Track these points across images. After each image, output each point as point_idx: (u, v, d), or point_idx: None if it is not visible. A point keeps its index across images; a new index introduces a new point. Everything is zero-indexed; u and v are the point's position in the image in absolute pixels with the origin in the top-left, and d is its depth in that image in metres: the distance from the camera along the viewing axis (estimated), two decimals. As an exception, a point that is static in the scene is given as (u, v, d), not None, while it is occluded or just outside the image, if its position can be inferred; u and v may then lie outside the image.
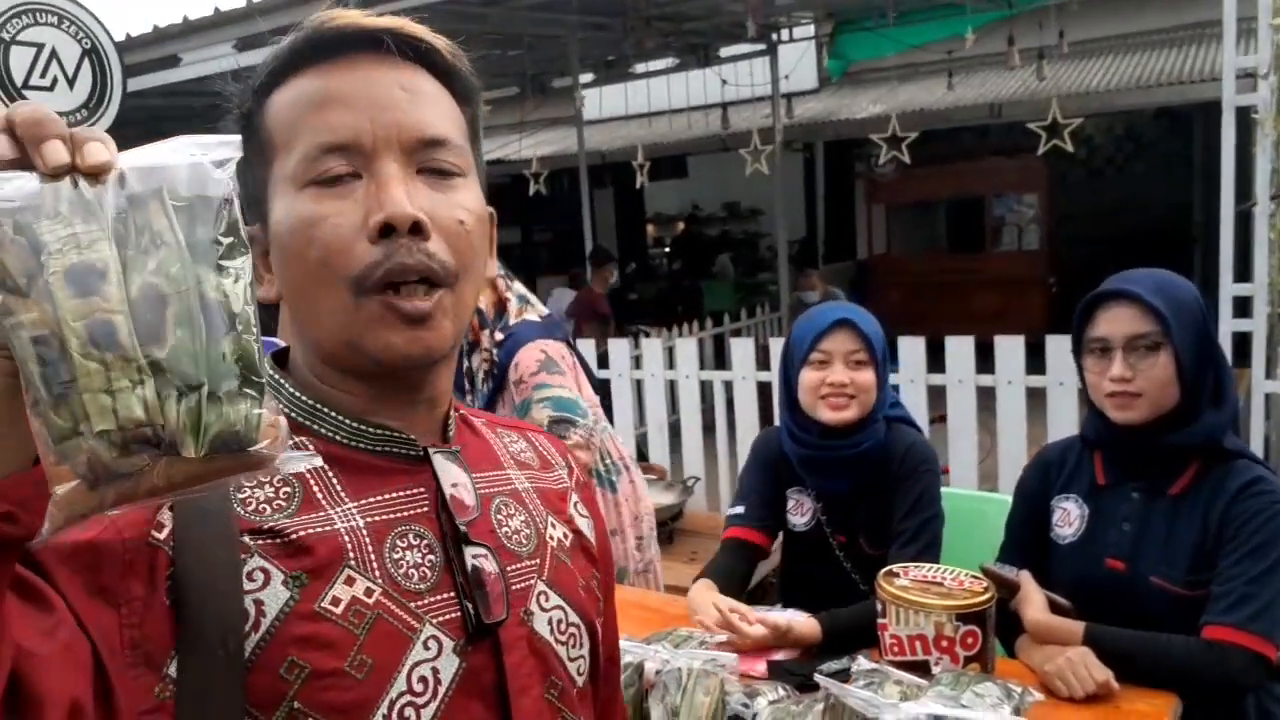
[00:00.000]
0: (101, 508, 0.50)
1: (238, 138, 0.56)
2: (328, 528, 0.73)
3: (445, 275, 0.74)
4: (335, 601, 0.71)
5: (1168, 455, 1.75)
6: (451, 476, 0.80)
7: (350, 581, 0.72)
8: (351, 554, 0.73)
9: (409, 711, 0.71)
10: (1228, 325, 3.28)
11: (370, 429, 0.78)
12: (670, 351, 5.01)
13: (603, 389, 5.05)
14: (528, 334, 2.30)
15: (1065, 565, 1.85)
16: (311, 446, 0.76)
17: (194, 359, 0.50)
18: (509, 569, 0.80)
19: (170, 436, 0.50)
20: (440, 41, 0.79)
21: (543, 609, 0.82)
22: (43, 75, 4.17)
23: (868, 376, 2.00)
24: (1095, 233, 11.05)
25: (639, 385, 4.94)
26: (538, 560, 0.84)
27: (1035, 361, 3.74)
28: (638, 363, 4.95)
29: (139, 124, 7.89)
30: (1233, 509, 1.67)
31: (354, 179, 0.73)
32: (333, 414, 0.78)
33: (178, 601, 0.67)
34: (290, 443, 0.55)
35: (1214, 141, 3.37)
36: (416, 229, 0.72)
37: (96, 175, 0.50)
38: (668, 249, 14.22)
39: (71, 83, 4.27)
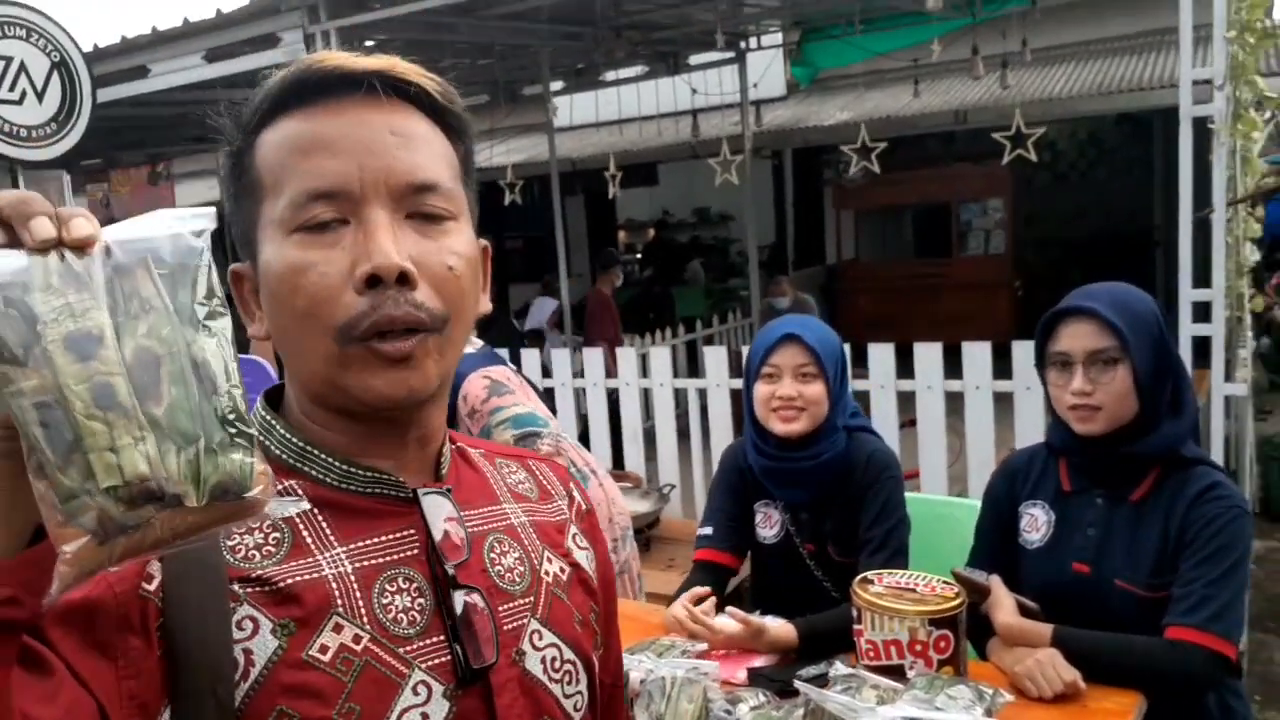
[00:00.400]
0: (110, 562, 0.53)
1: (212, 210, 0.58)
2: (316, 574, 0.73)
3: (433, 323, 0.74)
4: (323, 649, 0.71)
5: (1129, 463, 1.81)
6: (442, 516, 0.80)
7: (338, 629, 0.72)
8: (339, 601, 0.73)
9: None
10: (1188, 330, 3.36)
11: (360, 471, 0.78)
12: (644, 359, 5.05)
13: (576, 398, 5.10)
14: (467, 367, 2.30)
15: (1033, 569, 1.90)
16: (301, 490, 0.76)
17: (189, 414, 0.54)
18: (500, 609, 0.80)
19: (173, 489, 0.53)
20: (430, 82, 0.78)
21: (535, 648, 0.82)
22: (11, 89, 4.14)
23: (816, 389, 2.05)
24: (1059, 237, 11.24)
25: (615, 395, 4.97)
26: (531, 598, 0.83)
27: (1001, 364, 3.81)
28: (608, 371, 4.99)
29: (105, 134, 7.84)
30: (1191, 514, 1.74)
31: (341, 225, 0.73)
32: (323, 456, 0.78)
33: (169, 651, 0.68)
34: (278, 487, 0.59)
35: (1174, 146, 3.45)
36: (403, 279, 0.72)
37: (83, 248, 0.53)
38: (639, 255, 14.26)
39: (40, 96, 4.25)
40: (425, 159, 0.76)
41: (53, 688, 0.61)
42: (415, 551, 0.78)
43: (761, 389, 2.10)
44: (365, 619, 0.74)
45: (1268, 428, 6.09)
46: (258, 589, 0.72)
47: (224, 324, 0.57)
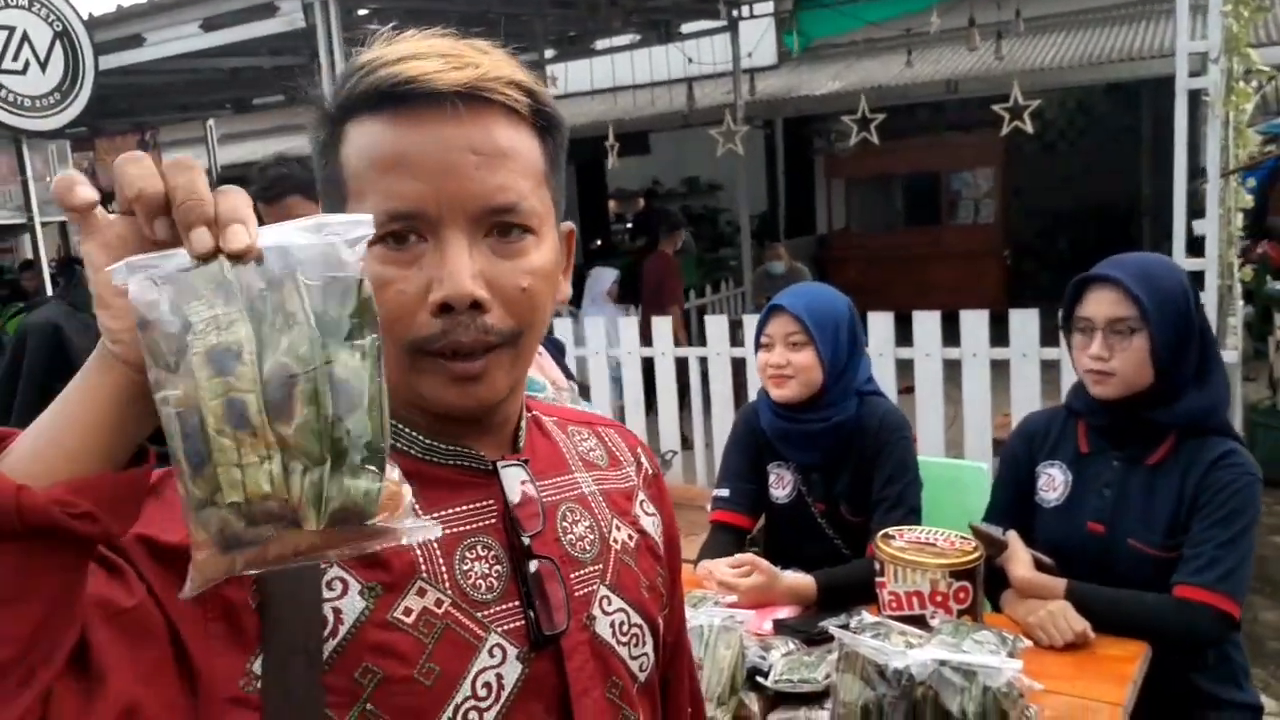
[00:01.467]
0: (233, 571, 0.55)
1: (369, 217, 0.57)
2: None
3: (503, 341, 0.76)
4: (407, 612, 0.74)
5: (1147, 428, 1.89)
6: (518, 488, 0.83)
7: (422, 593, 0.75)
8: (423, 567, 0.76)
9: (472, 715, 0.75)
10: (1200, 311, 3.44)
11: (442, 445, 0.81)
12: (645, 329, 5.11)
13: (579, 367, 5.16)
14: None
15: (1049, 527, 1.99)
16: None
17: (318, 436, 0.54)
18: (572, 576, 0.83)
19: (293, 509, 0.54)
20: (518, 90, 0.77)
21: (605, 613, 0.85)
22: (15, 59, 4.14)
23: (804, 357, 2.13)
24: (1048, 206, 11.31)
25: (616, 364, 5.03)
26: (601, 565, 0.87)
27: (994, 331, 3.88)
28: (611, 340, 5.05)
29: (92, 102, 7.76)
30: (1206, 479, 1.82)
31: (420, 241, 0.74)
32: (407, 431, 0.80)
33: (263, 604, 0.71)
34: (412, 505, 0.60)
35: (1162, 116, 3.54)
36: (476, 305, 0.73)
37: (238, 259, 0.54)
38: (629, 225, 14.24)
39: (44, 66, 4.25)
40: (505, 178, 0.76)
41: (129, 588, 0.64)
42: (494, 521, 0.81)
43: (760, 357, 2.21)
44: (447, 584, 0.77)
45: (1251, 394, 6.21)
46: None
47: (372, 340, 0.56)
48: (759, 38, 8.87)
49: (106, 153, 10.32)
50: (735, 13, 8.08)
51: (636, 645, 0.88)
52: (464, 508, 0.80)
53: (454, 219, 0.74)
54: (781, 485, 2.29)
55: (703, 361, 4.79)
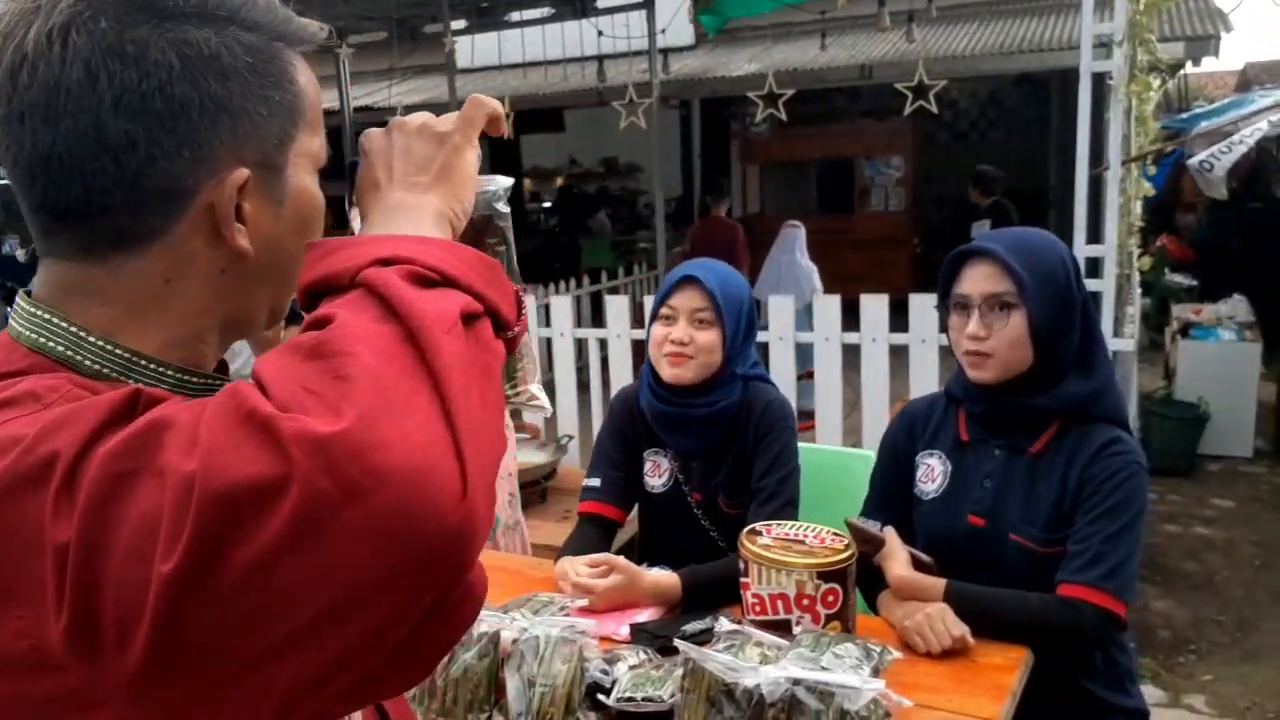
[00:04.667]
0: None
1: (509, 181, 0.73)
2: None
3: None
4: None
5: (1028, 415, 1.78)
6: None
7: None
8: None
9: None
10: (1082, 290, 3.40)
11: (195, 378, 0.74)
12: (546, 309, 4.92)
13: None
14: None
15: (928, 520, 1.87)
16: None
17: None
18: None
19: None
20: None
21: None
22: None
23: (709, 336, 1.98)
24: (957, 194, 11.41)
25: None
26: None
27: (900, 320, 3.82)
28: (510, 319, 4.85)
29: None
30: (1090, 469, 1.71)
31: None
32: (152, 366, 0.72)
33: None
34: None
35: (1070, 108, 3.49)
36: None
37: None
38: (546, 205, 14.02)
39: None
40: None
41: None
42: None
43: (657, 330, 2.02)
44: None
45: (1146, 383, 6.30)
46: None
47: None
48: (674, 15, 8.69)
49: None
50: (651, -11, 7.90)
51: None
52: None
53: None
54: (657, 474, 2.14)
55: (602, 344, 4.63)
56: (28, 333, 0.70)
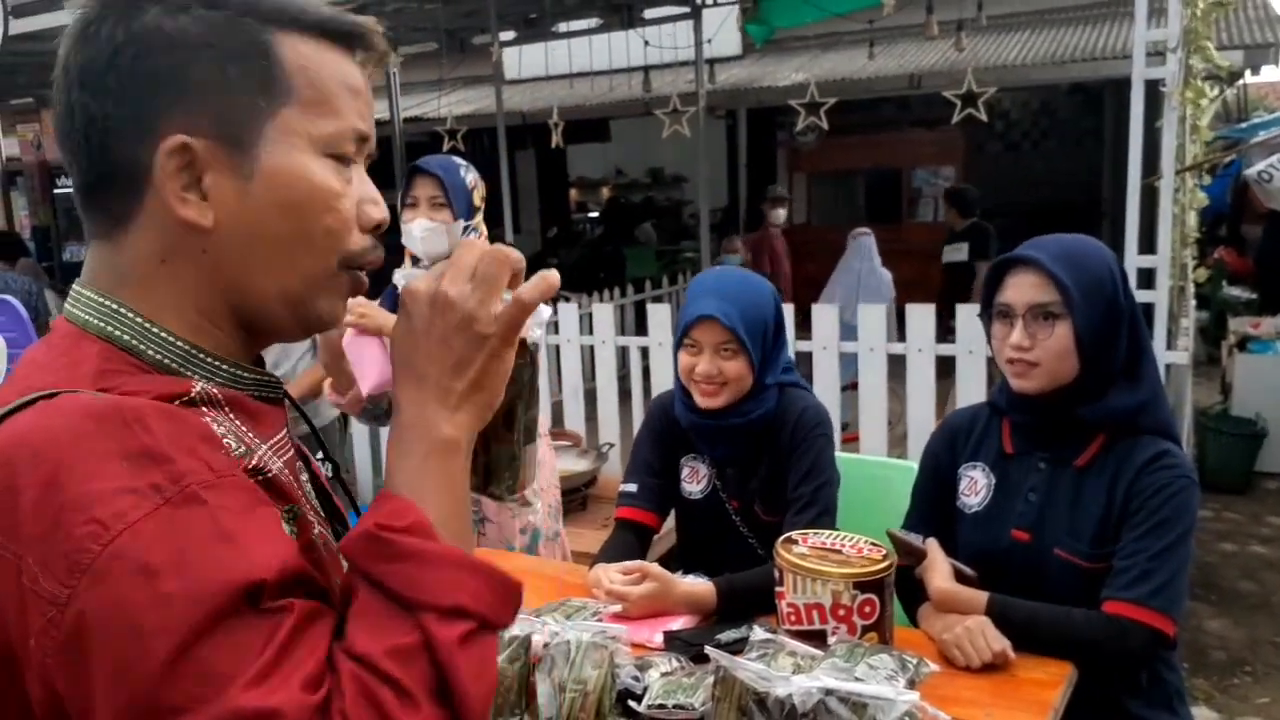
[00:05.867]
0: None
1: (549, 312, 0.68)
2: (274, 468, 0.75)
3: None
4: (320, 536, 0.78)
5: (1074, 427, 1.73)
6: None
7: (312, 514, 0.80)
8: (298, 492, 0.79)
9: None
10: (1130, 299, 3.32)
11: (245, 374, 0.80)
12: (588, 318, 4.94)
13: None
14: None
15: (970, 534, 1.83)
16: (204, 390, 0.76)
17: None
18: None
19: None
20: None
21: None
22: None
23: (736, 365, 1.98)
24: (1008, 206, 11.24)
25: (556, 351, 4.86)
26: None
27: (947, 330, 3.77)
28: (555, 328, 4.87)
29: (33, 71, 7.45)
30: (1138, 483, 1.66)
31: (351, 165, 0.80)
32: (209, 360, 0.77)
33: None
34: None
35: (1124, 118, 3.40)
36: (380, 227, 0.82)
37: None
38: (592, 215, 14.07)
39: (-57, 20, 3.98)
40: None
41: None
42: (289, 445, 0.84)
43: (684, 359, 2.02)
44: (308, 507, 0.80)
45: (1202, 398, 6.15)
46: (258, 479, 0.72)
47: None
48: (721, 25, 8.68)
49: (53, 125, 9.98)
50: (699, 0, 7.90)
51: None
52: (278, 436, 0.81)
53: (367, 150, 0.82)
54: (695, 480, 2.13)
55: (644, 352, 4.63)
56: (95, 320, 0.74)
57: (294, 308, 0.79)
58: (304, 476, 0.85)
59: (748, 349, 1.96)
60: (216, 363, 0.77)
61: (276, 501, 0.72)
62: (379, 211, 0.81)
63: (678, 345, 2.05)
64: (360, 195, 0.79)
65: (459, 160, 2.57)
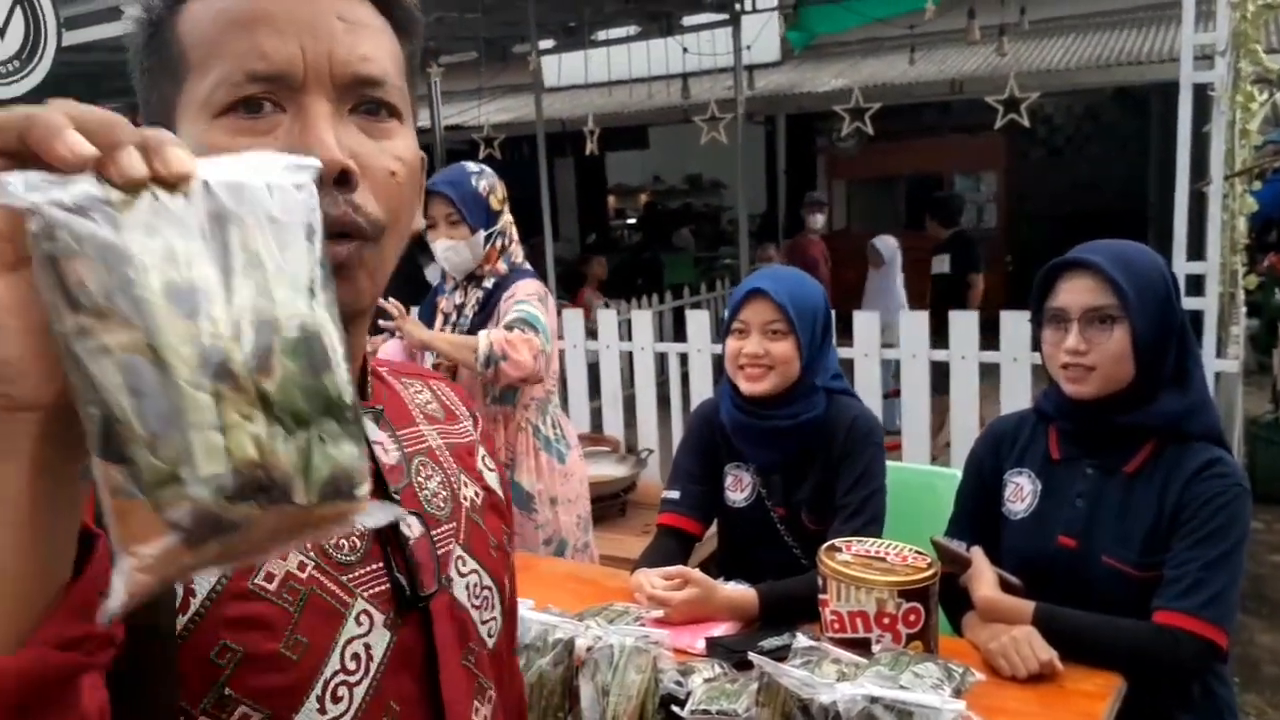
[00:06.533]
0: (197, 569, 0.43)
1: (314, 160, 0.50)
2: None
3: (370, 229, 0.66)
4: (269, 578, 0.66)
5: (1123, 433, 1.71)
6: (375, 438, 0.75)
7: (284, 555, 0.67)
8: None
9: (341, 691, 0.68)
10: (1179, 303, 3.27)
11: None
12: (626, 324, 4.95)
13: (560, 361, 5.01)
14: (530, 274, 2.67)
15: (1016, 541, 1.81)
16: None
17: (303, 393, 0.44)
18: (432, 534, 0.76)
19: (281, 480, 0.43)
20: None
21: (460, 574, 0.78)
22: (-30, 24, 3.98)
23: (784, 347, 1.95)
24: (1052, 212, 11.12)
25: (595, 357, 4.88)
26: (454, 524, 0.80)
27: (991, 338, 3.73)
28: (593, 334, 4.88)
29: (84, 82, 7.61)
30: (1189, 490, 1.64)
31: (278, 111, 0.65)
32: None
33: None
34: None
35: (1171, 123, 3.35)
36: (343, 178, 0.64)
37: (178, 184, 0.43)
38: (631, 221, 14.12)
39: (1, 33, 4.08)
40: (374, 50, 0.68)
41: None
42: None
43: (731, 344, 2.01)
44: (309, 545, 0.68)
45: (1253, 407, 6.03)
46: None
47: (331, 294, 0.48)
48: (760, 32, 8.68)
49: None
50: (737, 6, 7.90)
51: (487, 609, 0.82)
52: None
53: (319, 85, 0.65)
54: (739, 488, 2.12)
55: (683, 359, 4.63)
56: None
57: None
58: None
59: (796, 331, 1.95)
60: None
61: None
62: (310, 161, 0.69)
63: (726, 331, 2.03)
64: (289, 148, 0.62)
65: (470, 167, 2.62)
